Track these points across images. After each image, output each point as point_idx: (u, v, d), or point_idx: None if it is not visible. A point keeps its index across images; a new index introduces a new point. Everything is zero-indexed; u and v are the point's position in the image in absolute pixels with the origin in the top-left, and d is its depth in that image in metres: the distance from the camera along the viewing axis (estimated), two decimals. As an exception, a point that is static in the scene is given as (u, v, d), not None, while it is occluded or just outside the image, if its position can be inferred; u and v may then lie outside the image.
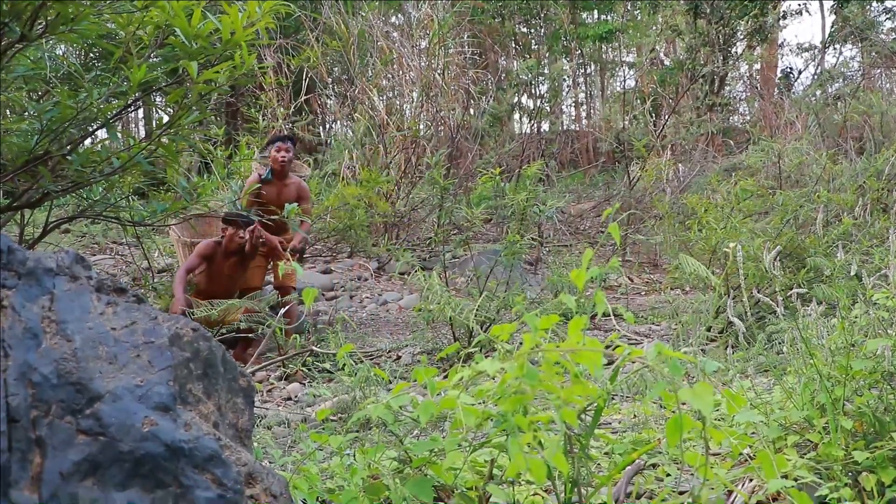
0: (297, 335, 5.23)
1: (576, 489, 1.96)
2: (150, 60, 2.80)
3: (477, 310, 2.15)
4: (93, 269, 1.84)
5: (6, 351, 1.56)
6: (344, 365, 4.91)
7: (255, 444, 3.02)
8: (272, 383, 5.07)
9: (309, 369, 5.00)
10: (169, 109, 2.91)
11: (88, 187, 3.00)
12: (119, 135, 3.73)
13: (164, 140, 2.98)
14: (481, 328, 2.07)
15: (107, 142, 3.20)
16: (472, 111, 10.24)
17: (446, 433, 2.09)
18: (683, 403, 1.49)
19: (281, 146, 6.26)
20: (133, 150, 2.83)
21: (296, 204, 5.43)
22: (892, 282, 3.06)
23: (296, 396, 4.76)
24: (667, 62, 13.32)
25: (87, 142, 3.18)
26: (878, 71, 13.77)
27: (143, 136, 3.06)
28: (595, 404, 1.89)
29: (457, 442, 1.79)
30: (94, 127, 2.88)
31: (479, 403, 1.80)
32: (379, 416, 1.88)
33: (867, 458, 2.52)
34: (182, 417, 1.67)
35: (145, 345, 1.73)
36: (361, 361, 2.94)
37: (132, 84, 2.67)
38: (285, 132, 6.67)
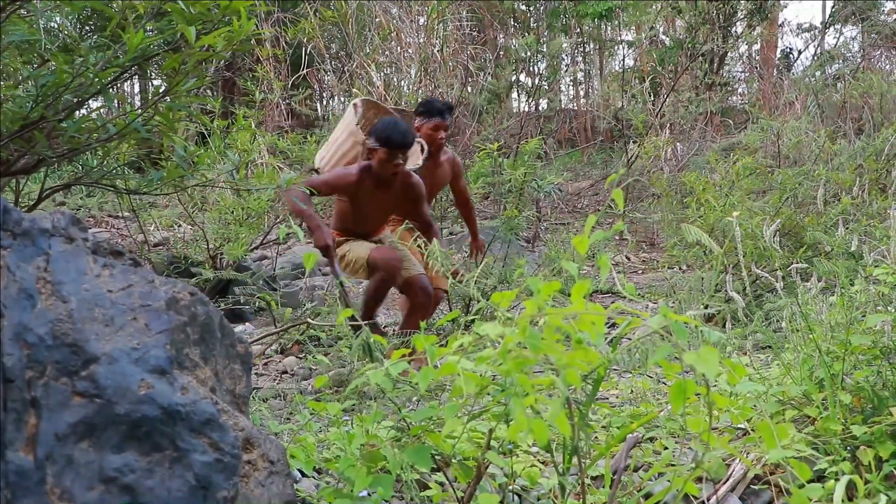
0: (292, 308, 5.21)
1: (574, 459, 1.95)
2: (147, 34, 2.76)
3: (476, 280, 2.13)
4: (89, 231, 1.82)
5: (1, 311, 1.54)
6: (339, 337, 4.91)
7: (252, 414, 3.01)
8: (268, 356, 5.06)
9: (305, 342, 4.99)
10: (166, 77, 2.87)
11: (84, 154, 2.97)
12: (115, 102, 3.69)
13: (161, 108, 2.95)
14: (481, 297, 2.06)
15: (103, 109, 3.17)
16: (470, 88, 10.19)
17: (444, 403, 2.07)
18: (687, 371, 1.48)
19: (440, 124, 5.04)
20: (130, 116, 2.79)
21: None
22: (893, 257, 3.04)
23: (292, 370, 4.75)
24: (666, 41, 13.25)
25: (84, 110, 3.15)
26: (879, 52, 13.72)
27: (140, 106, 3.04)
28: (595, 374, 1.88)
29: (456, 410, 1.77)
30: (90, 93, 2.84)
31: (480, 371, 1.78)
32: (377, 383, 1.87)
33: (865, 433, 2.51)
34: (179, 381, 1.65)
35: (142, 308, 1.71)
36: (359, 329, 2.92)
37: (129, 50, 2.64)
38: (438, 101, 5.25)
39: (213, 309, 1.91)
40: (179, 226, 7.45)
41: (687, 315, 1.39)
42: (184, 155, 3.16)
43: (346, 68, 10.20)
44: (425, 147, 4.95)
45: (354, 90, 9.41)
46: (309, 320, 4.62)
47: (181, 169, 3.08)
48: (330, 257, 4.39)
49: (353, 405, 2.57)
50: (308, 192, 4.34)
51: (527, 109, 12.23)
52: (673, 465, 2.47)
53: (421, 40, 9.75)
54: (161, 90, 2.99)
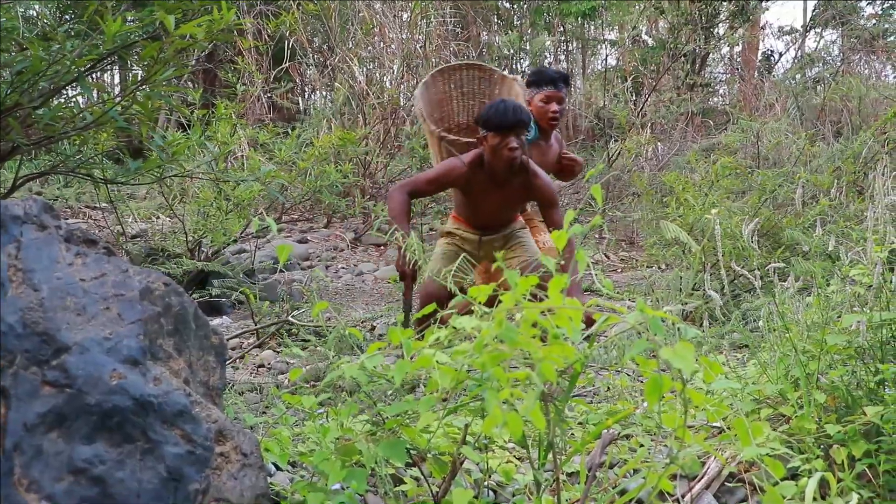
0: (271, 301, 5.19)
1: (549, 455, 1.95)
2: (127, 22, 2.73)
3: (454, 273, 2.12)
4: (62, 218, 1.80)
5: (-30, 298, 1.52)
6: (317, 332, 4.89)
7: (227, 407, 2.98)
8: (245, 350, 5.03)
9: (283, 336, 4.96)
10: (145, 66, 2.84)
11: (60, 142, 2.94)
12: (94, 91, 3.66)
13: (140, 97, 2.92)
14: (460, 292, 2.05)
15: (80, 98, 3.14)
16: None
17: (420, 398, 2.06)
18: (663, 368, 1.48)
19: (553, 95, 4.41)
20: (107, 104, 2.76)
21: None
22: (869, 259, 3.06)
23: (268, 364, 4.72)
24: (649, 41, 13.29)
25: (61, 98, 3.12)
26: (858, 56, 13.82)
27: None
28: (571, 369, 1.87)
29: (431, 404, 1.76)
30: (67, 81, 2.81)
31: (456, 365, 1.77)
32: (352, 376, 1.86)
33: (839, 432, 2.52)
34: (151, 372, 1.64)
35: (115, 297, 1.69)
36: (330, 323, 2.91)
37: (107, 38, 2.61)
38: (550, 69, 4.62)
39: (188, 300, 1.89)
40: (158, 217, 7.40)
41: (664, 311, 1.38)
42: (162, 145, 3.13)
43: (328, 62, 10.16)
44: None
45: (336, 84, 9.38)
46: (291, 318, 4.61)
47: (160, 159, 3.06)
48: (406, 285, 3.88)
49: (329, 399, 2.55)
50: (410, 195, 3.89)
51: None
52: (647, 463, 2.47)
53: (404, 36, 9.73)
54: (139, 79, 2.96)
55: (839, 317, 2.95)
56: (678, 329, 1.39)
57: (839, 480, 2.36)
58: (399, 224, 3.66)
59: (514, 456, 2.71)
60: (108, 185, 5.56)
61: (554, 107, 4.39)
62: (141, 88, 2.92)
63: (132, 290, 1.72)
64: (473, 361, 1.68)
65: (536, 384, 1.33)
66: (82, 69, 2.76)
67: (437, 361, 1.53)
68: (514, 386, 1.38)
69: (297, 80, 10.99)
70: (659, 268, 7.29)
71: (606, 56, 14.89)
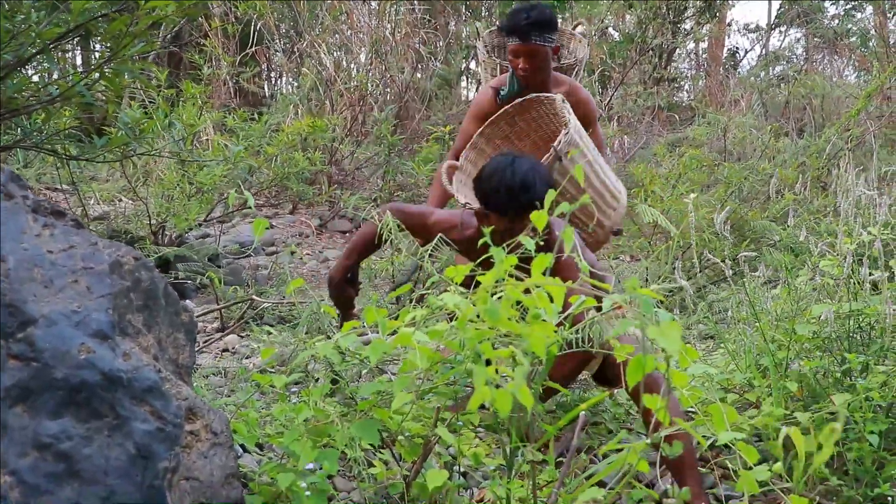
0: (237, 287, 5.13)
1: (523, 438, 1.93)
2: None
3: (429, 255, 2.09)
4: (30, 189, 1.75)
5: (-67, 267, 1.47)
6: (283, 318, 4.84)
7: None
8: (209, 334, 4.96)
9: (248, 322, 4.90)
10: (112, 40, 2.77)
11: (23, 116, 2.86)
12: (58, 65, 3.58)
13: (107, 72, 2.86)
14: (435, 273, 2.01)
15: (45, 72, 3.07)
16: (420, 74, 10.12)
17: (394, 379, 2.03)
18: (637, 350, 1.46)
19: (519, 49, 3.52)
20: (74, 78, 2.70)
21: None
22: (840, 250, 3.09)
23: (233, 348, 4.66)
24: (616, 35, 13.33)
25: (25, 71, 3.04)
26: (822, 54, 13.99)
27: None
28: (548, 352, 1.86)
29: (405, 384, 1.74)
30: (31, 53, 2.74)
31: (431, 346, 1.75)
32: (325, 355, 1.83)
33: (807, 420, 2.54)
34: (121, 347, 1.59)
35: (84, 270, 1.65)
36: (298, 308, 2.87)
37: (73, 10, 2.55)
38: (521, 13, 3.58)
39: (158, 276, 1.84)
40: (120, 200, 7.28)
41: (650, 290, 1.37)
42: (129, 122, 3.06)
43: (295, 48, 10.05)
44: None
45: (304, 70, 9.29)
46: (254, 297, 4.55)
47: (126, 136, 2.99)
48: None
49: (299, 380, 2.52)
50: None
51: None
52: (620, 450, 2.46)
53: (373, 22, 9.65)
54: (107, 55, 2.90)
55: (807, 307, 2.97)
56: (655, 312, 1.38)
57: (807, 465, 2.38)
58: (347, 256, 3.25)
59: (486, 441, 2.70)
60: (71, 166, 5.47)
61: (521, 63, 3.54)
62: (108, 64, 2.85)
63: (101, 263, 1.68)
64: (450, 343, 1.66)
65: (522, 362, 1.31)
66: (48, 41, 2.69)
67: (416, 340, 1.50)
68: (498, 364, 1.35)
69: (264, 65, 10.88)
70: (631, 257, 7.32)
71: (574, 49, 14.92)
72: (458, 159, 3.43)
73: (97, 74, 2.88)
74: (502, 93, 3.66)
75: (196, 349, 4.44)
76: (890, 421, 2.51)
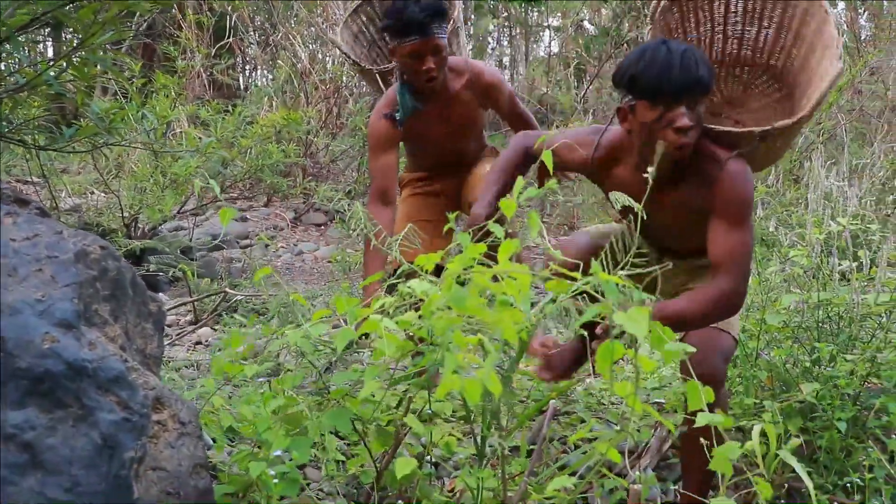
0: (211, 279, 5.10)
1: (493, 427, 1.94)
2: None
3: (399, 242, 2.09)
4: (-8, 177, 1.72)
5: None
6: (256, 310, 4.82)
7: (163, 380, 2.92)
8: (182, 328, 4.93)
9: (221, 315, 4.88)
10: (82, 28, 2.74)
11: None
12: (27, 53, 3.54)
13: (76, 61, 2.82)
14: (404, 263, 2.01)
15: (12, 61, 3.03)
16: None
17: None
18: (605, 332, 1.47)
19: (420, 46, 2.93)
20: (41, 66, 2.67)
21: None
22: (809, 241, 3.11)
23: (206, 341, 4.64)
24: (592, 28, 13.36)
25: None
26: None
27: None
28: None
29: (375, 372, 1.74)
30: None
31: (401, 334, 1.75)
32: (296, 344, 1.82)
33: (778, 407, 2.56)
34: (86, 336, 1.58)
35: (48, 259, 1.63)
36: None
37: (42, -3, 2.52)
38: (409, 5, 2.93)
39: (125, 265, 1.83)
40: (92, 193, 7.21)
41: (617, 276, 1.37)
42: (99, 112, 3.03)
43: (270, 40, 10.00)
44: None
45: (279, 62, 9.24)
46: (227, 289, 4.53)
47: (96, 126, 2.96)
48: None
49: (271, 371, 2.51)
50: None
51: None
52: (591, 440, 2.48)
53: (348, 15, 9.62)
54: (76, 43, 2.87)
55: (777, 297, 3.00)
56: (629, 292, 1.38)
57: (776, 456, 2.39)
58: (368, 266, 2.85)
59: (457, 430, 2.70)
60: (41, 158, 5.41)
61: (427, 63, 2.96)
62: (77, 53, 2.82)
63: (66, 252, 1.66)
64: (418, 331, 1.66)
65: (490, 350, 1.31)
66: (14, 30, 2.65)
67: (384, 328, 1.49)
68: (468, 351, 1.35)
69: (239, 58, 10.81)
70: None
71: (550, 42, 14.93)
72: (382, 200, 3.03)
73: (66, 65, 2.84)
74: (398, 116, 3.06)
75: (169, 342, 4.43)
76: (857, 409, 2.53)
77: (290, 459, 1.88)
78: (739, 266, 2.19)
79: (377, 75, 3.48)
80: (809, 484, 1.57)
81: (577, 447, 2.74)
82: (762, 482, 1.44)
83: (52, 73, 2.74)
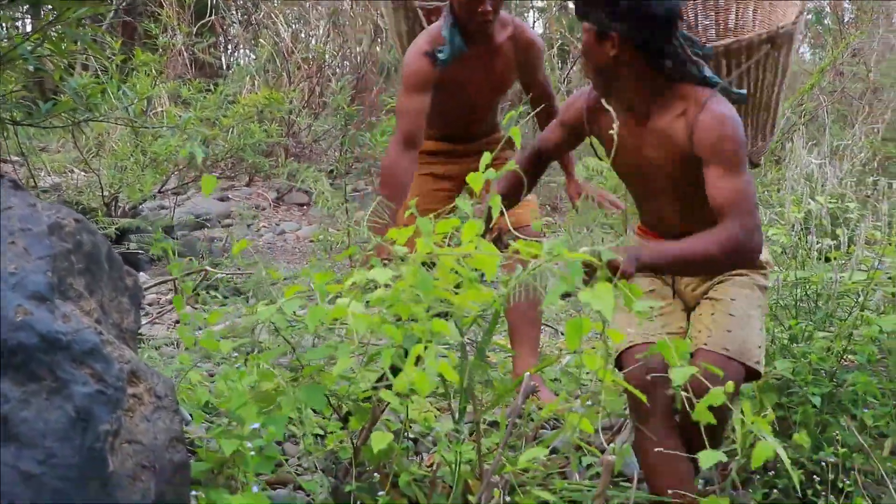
0: (192, 259, 5.08)
1: (470, 402, 1.94)
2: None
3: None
4: (-35, 149, 1.71)
5: None
6: (237, 290, 4.81)
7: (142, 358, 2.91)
8: (162, 306, 4.92)
9: (200, 293, 4.86)
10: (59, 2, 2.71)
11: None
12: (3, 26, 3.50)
13: (53, 35, 2.79)
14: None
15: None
16: (379, 48, 10.05)
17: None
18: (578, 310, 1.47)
19: None
20: (16, 39, 2.64)
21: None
22: (787, 219, 3.13)
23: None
24: (576, 9, 13.33)
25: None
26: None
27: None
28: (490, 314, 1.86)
29: (350, 350, 1.74)
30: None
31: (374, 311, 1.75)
32: (270, 321, 1.82)
33: (756, 384, 2.58)
34: (60, 309, 1.57)
35: (21, 232, 1.62)
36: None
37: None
38: None
39: (101, 238, 1.82)
40: (72, 171, 7.16)
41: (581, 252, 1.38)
42: (76, 87, 3.01)
43: (252, 18, 9.93)
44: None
45: (261, 41, 9.18)
46: (208, 268, 4.52)
47: (73, 102, 2.94)
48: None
49: (251, 348, 2.50)
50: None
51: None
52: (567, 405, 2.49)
53: (331, -7, 9.57)
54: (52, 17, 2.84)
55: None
56: (603, 262, 1.38)
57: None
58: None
59: (436, 406, 2.71)
60: (19, 135, 5.35)
61: (486, 4, 2.84)
62: (54, 27, 2.79)
63: (40, 224, 1.65)
64: (389, 309, 1.66)
65: (455, 337, 1.32)
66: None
67: (351, 311, 1.49)
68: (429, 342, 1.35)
69: (221, 37, 10.73)
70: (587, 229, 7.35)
71: (534, 23, 14.91)
72: (408, 143, 2.90)
73: (43, 39, 2.81)
74: (441, 56, 2.91)
75: (149, 321, 4.41)
76: (833, 385, 2.55)
77: (266, 435, 1.88)
78: (744, 207, 2.06)
79: (419, 10, 3.27)
80: (784, 456, 1.59)
81: (550, 422, 2.76)
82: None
83: (27, 48, 2.71)
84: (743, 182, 2.09)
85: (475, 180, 1.57)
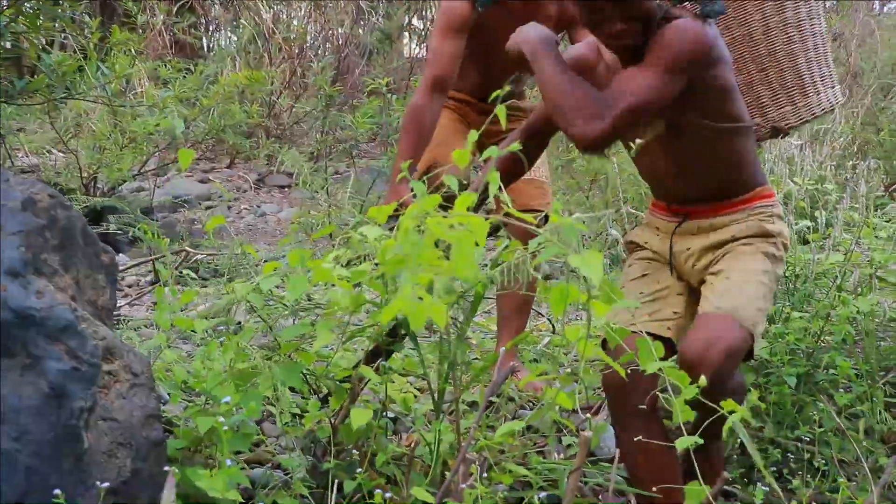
0: (172, 240, 5.04)
1: (450, 381, 1.94)
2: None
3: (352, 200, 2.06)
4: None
5: None
6: (217, 271, 4.78)
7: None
8: (142, 288, 4.89)
9: (181, 275, 4.83)
10: None
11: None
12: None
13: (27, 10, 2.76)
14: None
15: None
16: (361, 30, 9.99)
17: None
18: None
19: None
20: (-10, 14, 2.60)
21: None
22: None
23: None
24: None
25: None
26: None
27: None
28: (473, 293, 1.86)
29: (330, 325, 1.73)
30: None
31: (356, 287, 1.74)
32: (248, 299, 1.81)
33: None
34: (34, 285, 1.55)
35: (-6, 207, 1.60)
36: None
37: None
38: None
39: (76, 214, 1.80)
40: (50, 152, 7.09)
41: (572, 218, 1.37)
42: (52, 65, 2.97)
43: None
44: None
45: (242, 22, 9.12)
46: (187, 248, 4.49)
47: (48, 78, 2.91)
48: None
49: (223, 324, 2.49)
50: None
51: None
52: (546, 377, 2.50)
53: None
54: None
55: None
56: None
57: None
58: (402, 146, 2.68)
59: (415, 387, 2.71)
60: (-4, 114, 5.30)
61: None
62: (29, 2, 2.76)
63: (14, 199, 1.63)
64: (373, 283, 1.65)
65: (440, 288, 1.31)
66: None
67: (337, 276, 1.48)
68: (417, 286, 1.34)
69: (202, 17, 10.64)
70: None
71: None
72: (436, 88, 2.72)
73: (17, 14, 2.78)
74: None
75: (128, 302, 4.39)
76: (811, 364, 2.57)
77: (240, 411, 1.87)
78: (619, 100, 1.84)
79: None
80: (747, 441, 1.59)
81: (535, 405, 2.77)
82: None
83: (2, 22, 2.68)
84: (645, 78, 1.85)
85: (461, 158, 1.56)
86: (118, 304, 4.18)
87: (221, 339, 2.50)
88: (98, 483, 1.50)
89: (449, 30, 2.75)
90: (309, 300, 2.51)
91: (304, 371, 2.04)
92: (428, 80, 2.75)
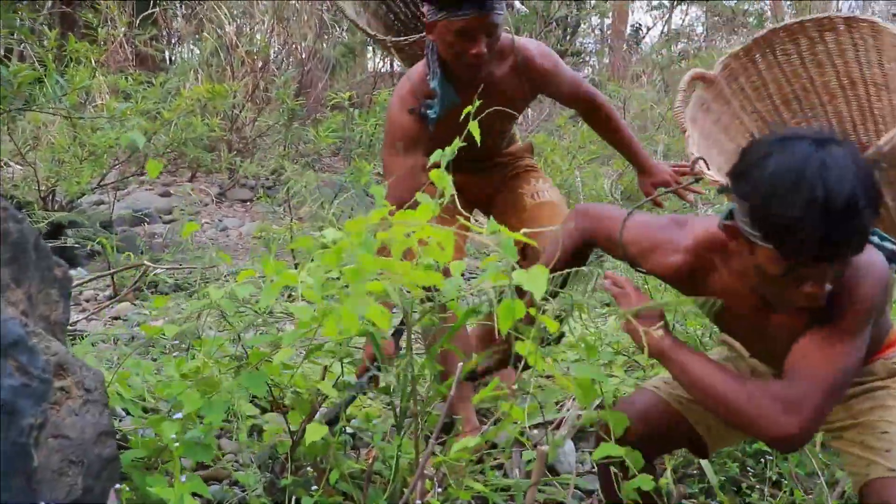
0: (131, 254, 4.99)
1: (411, 395, 1.93)
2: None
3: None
4: None
5: None
6: (178, 286, 4.74)
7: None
8: (100, 303, 4.83)
9: (142, 290, 4.78)
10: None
11: None
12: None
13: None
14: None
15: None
16: (325, 44, 9.98)
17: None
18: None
19: (474, 23, 2.30)
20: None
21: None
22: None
23: (124, 316, 4.54)
24: (523, 9, 13.41)
25: None
26: (720, 33, 14.38)
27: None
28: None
29: (296, 337, 1.71)
30: None
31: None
32: (218, 304, 1.78)
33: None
34: (-17, 299, 1.52)
35: (-57, 219, 1.56)
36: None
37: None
38: None
39: (28, 227, 1.76)
40: (8, 165, 6.99)
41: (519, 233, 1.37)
42: (9, 75, 2.93)
43: (195, 12, 9.80)
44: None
45: (204, 34, 9.07)
46: (146, 262, 4.44)
47: (5, 89, 2.86)
48: None
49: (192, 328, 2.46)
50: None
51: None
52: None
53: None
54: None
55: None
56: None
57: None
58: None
59: (376, 402, 2.69)
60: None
61: (479, 45, 2.34)
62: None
63: (-37, 212, 1.59)
64: (332, 285, 1.63)
65: (394, 296, 1.30)
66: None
67: (301, 280, 1.46)
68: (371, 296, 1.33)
69: (164, 30, 10.58)
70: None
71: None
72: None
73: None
74: (431, 114, 2.44)
75: (86, 316, 4.32)
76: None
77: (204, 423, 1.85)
78: (818, 380, 1.57)
79: (392, 48, 2.90)
80: (711, 474, 1.60)
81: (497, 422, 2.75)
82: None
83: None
84: (842, 351, 1.59)
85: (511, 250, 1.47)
86: (76, 319, 4.14)
87: (187, 350, 2.47)
88: (47, 502, 1.47)
89: (401, 149, 2.46)
90: (270, 314, 2.49)
91: (268, 382, 2.02)
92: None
